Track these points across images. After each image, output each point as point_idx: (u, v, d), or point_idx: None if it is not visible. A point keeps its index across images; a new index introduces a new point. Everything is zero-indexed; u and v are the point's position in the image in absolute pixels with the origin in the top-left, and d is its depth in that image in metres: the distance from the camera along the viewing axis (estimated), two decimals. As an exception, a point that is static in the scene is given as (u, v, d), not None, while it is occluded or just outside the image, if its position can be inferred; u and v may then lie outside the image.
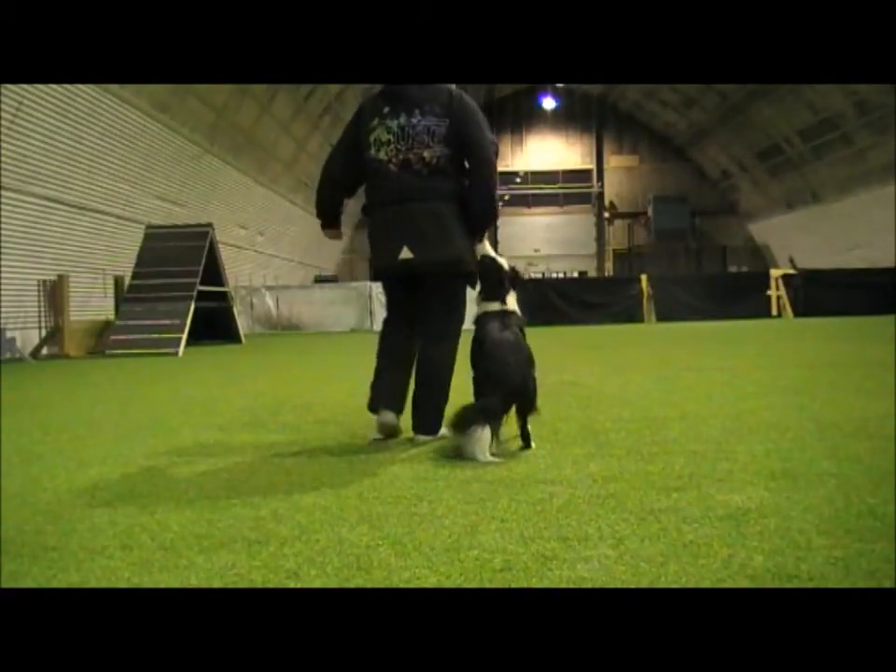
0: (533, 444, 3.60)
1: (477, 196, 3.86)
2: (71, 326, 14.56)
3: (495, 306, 3.78)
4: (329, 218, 4.21)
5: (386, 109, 3.83)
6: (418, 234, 3.77)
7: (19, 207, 13.45)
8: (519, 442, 3.63)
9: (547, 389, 5.92)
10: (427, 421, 3.86)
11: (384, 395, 3.86)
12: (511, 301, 3.83)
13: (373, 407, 3.86)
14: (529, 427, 3.63)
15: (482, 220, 3.96)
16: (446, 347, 3.92)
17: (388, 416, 3.81)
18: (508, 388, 3.47)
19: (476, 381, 3.68)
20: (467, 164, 3.89)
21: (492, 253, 3.97)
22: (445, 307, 3.96)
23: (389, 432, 3.85)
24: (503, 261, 3.92)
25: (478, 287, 3.91)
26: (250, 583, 1.96)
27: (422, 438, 3.84)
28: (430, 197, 3.79)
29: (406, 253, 3.78)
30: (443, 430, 3.80)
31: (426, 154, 3.76)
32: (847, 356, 8.66)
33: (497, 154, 3.93)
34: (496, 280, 3.83)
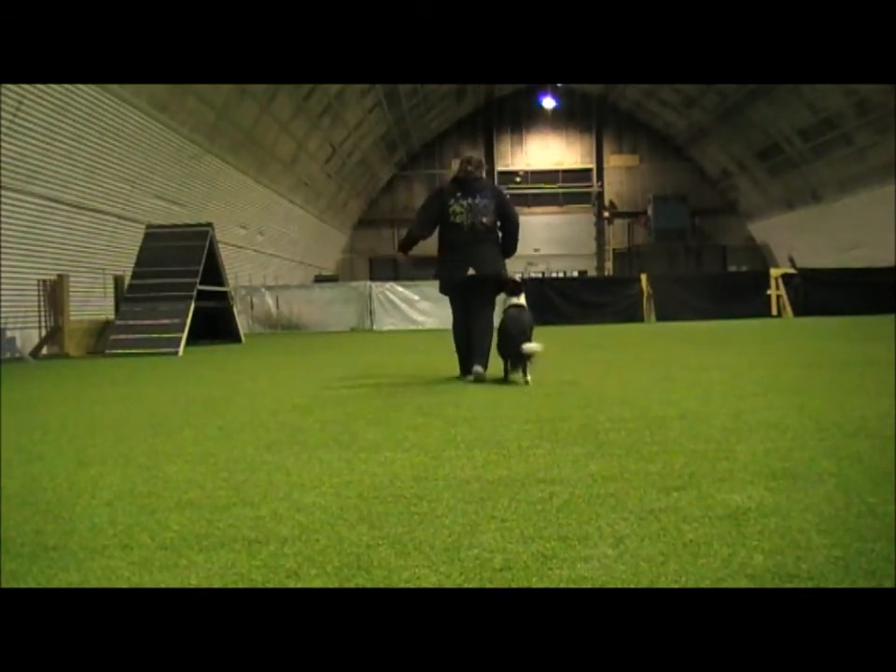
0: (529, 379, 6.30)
1: (510, 242, 7.10)
2: (71, 326, 14.55)
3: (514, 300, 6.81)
4: (410, 248, 7.20)
5: (459, 193, 6.86)
6: (479, 261, 6.85)
7: (19, 207, 13.43)
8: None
9: (547, 389, 5.96)
10: (483, 358, 6.75)
11: (473, 358, 6.78)
12: (522, 298, 6.88)
13: (466, 368, 6.87)
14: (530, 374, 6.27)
15: (510, 254, 7.16)
16: (488, 317, 6.97)
17: (479, 368, 6.67)
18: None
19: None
20: (500, 224, 7.05)
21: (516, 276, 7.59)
22: (489, 300, 7.02)
23: (481, 378, 6.62)
24: (517, 277, 7.98)
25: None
26: (250, 583, 1.96)
27: (479, 368, 6.65)
28: (486, 242, 6.89)
29: (471, 270, 6.83)
30: (478, 368, 6.68)
31: (485, 220, 6.85)
32: (846, 355, 8.66)
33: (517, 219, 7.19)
34: (514, 287, 6.95)
